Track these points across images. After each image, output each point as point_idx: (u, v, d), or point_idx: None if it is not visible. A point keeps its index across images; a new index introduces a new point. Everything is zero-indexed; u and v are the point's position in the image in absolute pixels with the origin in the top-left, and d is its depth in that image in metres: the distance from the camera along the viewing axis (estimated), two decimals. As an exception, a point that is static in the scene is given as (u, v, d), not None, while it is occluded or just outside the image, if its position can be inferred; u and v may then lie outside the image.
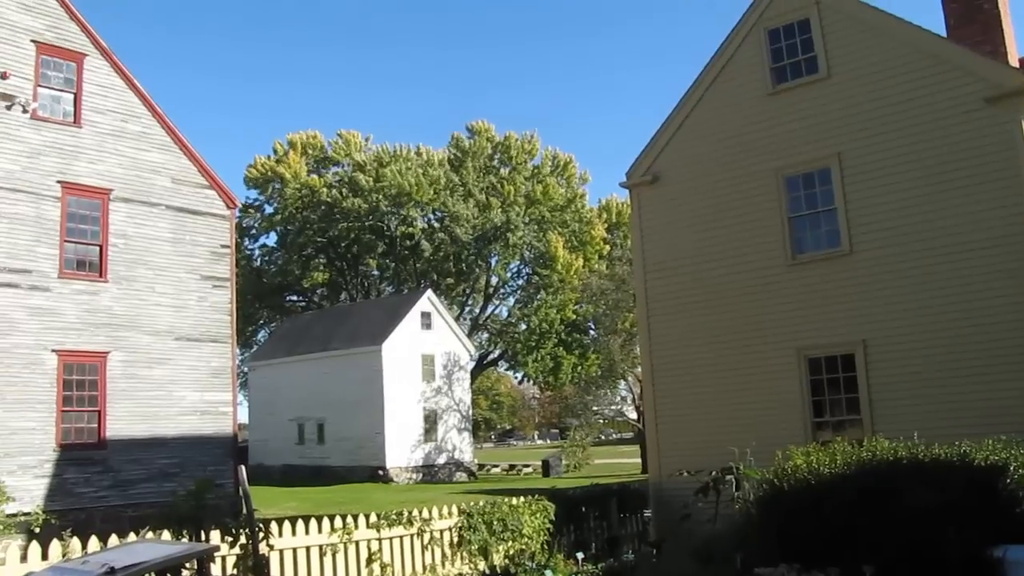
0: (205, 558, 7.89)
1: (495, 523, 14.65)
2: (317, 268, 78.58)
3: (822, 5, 17.10)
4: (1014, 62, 16.63)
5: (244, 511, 10.08)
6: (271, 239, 76.59)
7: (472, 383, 64.13)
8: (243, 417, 62.73)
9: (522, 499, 15.58)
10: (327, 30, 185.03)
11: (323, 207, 70.68)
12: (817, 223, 16.86)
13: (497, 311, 77.33)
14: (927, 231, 15.34)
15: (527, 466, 63.32)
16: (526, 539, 14.97)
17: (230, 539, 10.45)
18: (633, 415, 59.44)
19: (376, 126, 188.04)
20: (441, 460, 56.14)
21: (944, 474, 9.22)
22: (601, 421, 68.73)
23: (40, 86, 22.50)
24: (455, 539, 14.24)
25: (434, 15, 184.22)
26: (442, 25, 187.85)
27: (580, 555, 14.07)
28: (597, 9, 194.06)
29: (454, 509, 14.46)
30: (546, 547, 15.09)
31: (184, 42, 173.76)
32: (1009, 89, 14.79)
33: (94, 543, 10.23)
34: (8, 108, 21.72)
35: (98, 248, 22.95)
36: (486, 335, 75.78)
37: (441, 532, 14.10)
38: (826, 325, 16.25)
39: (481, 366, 76.00)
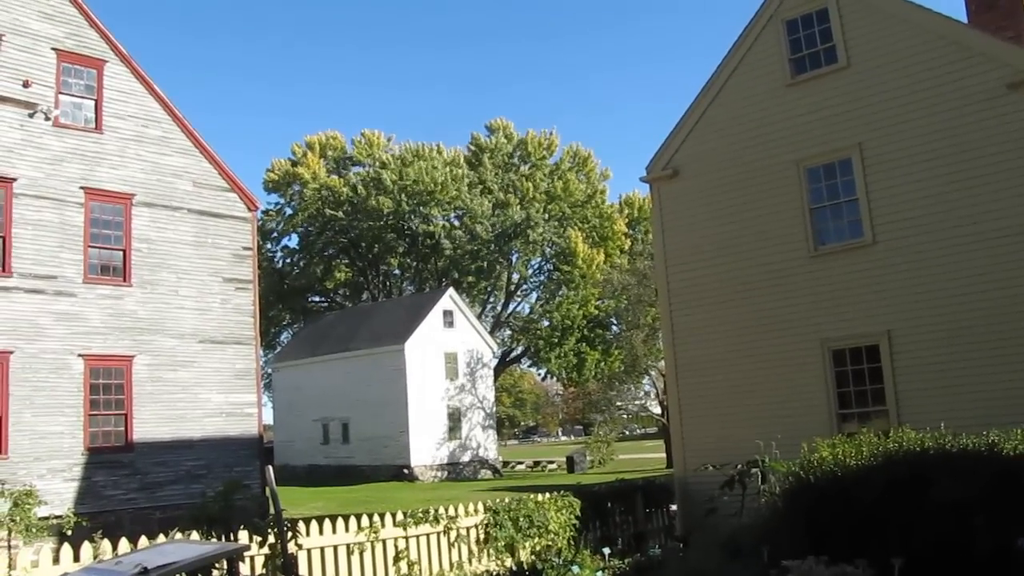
0: (235, 558, 7.94)
1: (521, 520, 14.66)
2: (339, 268, 78.82)
3: (840, -6, 17.00)
4: (1036, 47, 16.46)
5: (272, 511, 10.14)
6: (292, 241, 77.05)
7: (495, 380, 64.21)
8: (268, 418, 63.14)
9: (547, 495, 15.58)
10: (344, 32, 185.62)
11: (344, 207, 70.86)
12: (839, 214, 16.77)
13: (519, 308, 77.45)
14: (951, 220, 15.23)
15: (552, 462, 63.34)
16: (552, 535, 14.97)
17: (259, 539, 10.52)
18: (657, 410, 59.33)
19: (395, 126, 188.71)
20: (466, 458, 56.25)
21: (972, 464, 9.15)
22: (625, 416, 68.59)
23: (61, 93, 22.72)
24: (481, 536, 14.26)
25: (453, 14, 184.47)
26: (462, 24, 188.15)
27: (607, 551, 14.05)
28: (618, 4, 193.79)
29: (480, 506, 14.49)
30: (572, 543, 15.09)
31: (203, 46, 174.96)
32: (1031, 75, 14.65)
33: (124, 545, 10.33)
34: (31, 116, 21.94)
35: (122, 253, 23.15)
36: (508, 332, 75.83)
37: (467, 529, 14.12)
38: (850, 316, 16.17)
39: (504, 363, 76.08)
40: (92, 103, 23.31)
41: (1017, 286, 14.44)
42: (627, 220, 74.35)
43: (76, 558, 9.97)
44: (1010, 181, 14.68)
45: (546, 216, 69.48)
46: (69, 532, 18.68)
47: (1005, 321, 14.48)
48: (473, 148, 74.65)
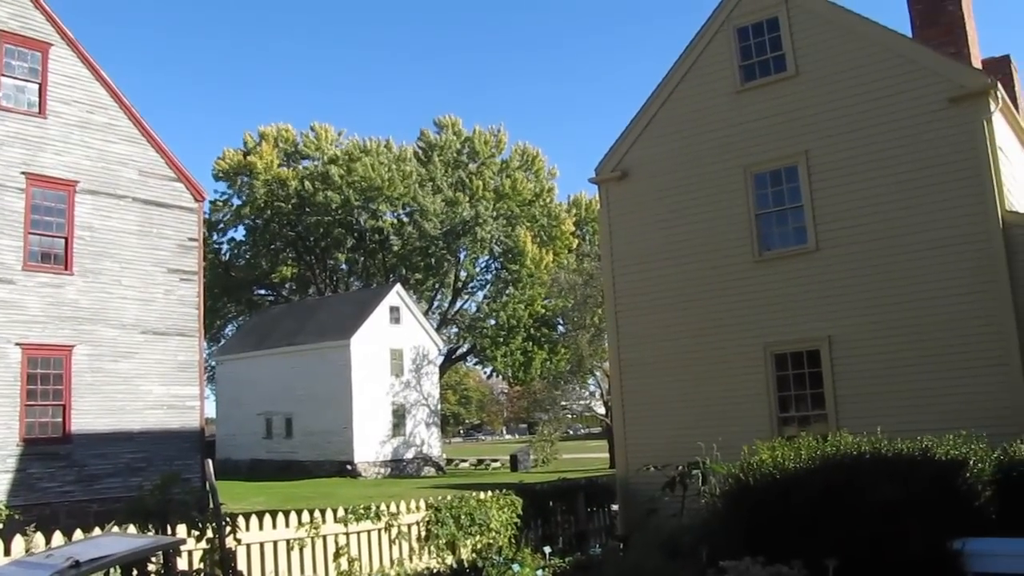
0: (171, 552, 7.86)
1: (463, 517, 14.68)
2: (286, 262, 78.18)
3: (791, 4, 17.23)
4: (977, 63, 16.89)
5: (211, 505, 10.05)
6: (239, 233, 76.22)
7: (441, 378, 64.12)
8: (210, 411, 62.43)
9: (490, 493, 15.62)
10: (303, 28, 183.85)
11: (293, 200, 70.31)
12: (784, 220, 17.00)
13: (466, 306, 77.41)
14: (892, 228, 15.53)
15: (495, 461, 63.44)
16: (494, 533, 15.02)
17: (197, 533, 10.41)
18: (601, 410, 59.64)
19: (348, 124, 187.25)
20: (409, 455, 56.11)
21: (906, 469, 9.34)
22: (569, 416, 68.93)
23: (4, 76, 22.20)
24: (423, 533, 14.26)
25: (408, 19, 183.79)
26: (415, 29, 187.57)
27: (548, 549, 14.11)
28: (570, 14, 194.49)
29: (422, 503, 14.48)
30: (514, 541, 15.14)
31: (154, 36, 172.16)
32: (972, 90, 15.00)
33: (58, 538, 10.16)
34: (-29, 98, 21.43)
35: (63, 240, 22.71)
36: (455, 329, 75.78)
37: (409, 526, 14.11)
38: (792, 321, 16.40)
39: (450, 361, 75.98)
40: (36, 87, 22.83)
41: (955, 294, 14.78)
42: (575, 219, 74.70)
43: (7, 551, 9.79)
44: (950, 192, 15.02)
45: (494, 214, 69.49)
46: (1, 525, 18.32)
47: (943, 329, 14.81)
48: (423, 145, 74.49)
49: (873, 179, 15.85)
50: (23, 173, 22.05)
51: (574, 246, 71.06)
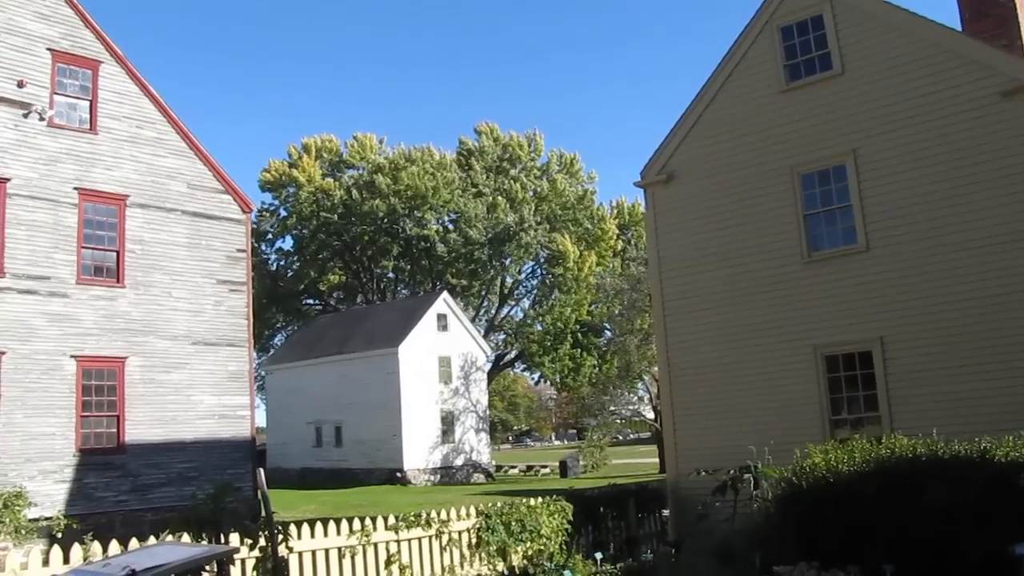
0: (225, 560, 7.92)
1: (513, 524, 14.62)
2: (333, 271, 78.71)
3: (835, 1, 17.02)
4: (1030, 55, 16.51)
5: (263, 514, 10.11)
6: (287, 243, 76.98)
7: (489, 384, 64.14)
8: (260, 420, 63.12)
9: (540, 500, 15.55)
10: (340, 40, 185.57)
11: (339, 210, 70.84)
12: (833, 220, 16.77)
13: (513, 312, 77.42)
14: (944, 226, 15.24)
15: (544, 467, 63.28)
16: (544, 540, 14.94)
17: (249, 542, 10.50)
18: (650, 415, 59.39)
19: (388, 130, 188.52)
20: (459, 461, 56.19)
21: (964, 471, 9.17)
22: (618, 421, 68.62)
23: (56, 93, 22.68)
24: (473, 540, 14.23)
25: (448, 30, 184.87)
26: (456, 40, 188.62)
27: (599, 555, 14.03)
28: (604, 26, 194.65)
29: (472, 510, 14.45)
30: (564, 547, 15.07)
31: (199, 51, 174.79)
32: (1025, 82, 14.69)
33: (114, 547, 10.28)
34: (25, 116, 21.90)
35: (115, 254, 23.11)
36: (502, 336, 75.78)
37: (459, 533, 14.09)
38: (843, 322, 16.17)
39: (498, 367, 76.01)
40: (87, 104, 23.28)
41: (1010, 293, 14.46)
42: (617, 222, 74.55)
43: (66, 560, 9.92)
44: (1003, 188, 14.71)
45: (537, 218, 69.50)
46: (59, 534, 18.65)
47: (997, 328, 14.49)
48: (463, 152, 74.69)
49: (923, 176, 15.58)
50: (76, 188, 22.48)
51: (619, 249, 70.82)
